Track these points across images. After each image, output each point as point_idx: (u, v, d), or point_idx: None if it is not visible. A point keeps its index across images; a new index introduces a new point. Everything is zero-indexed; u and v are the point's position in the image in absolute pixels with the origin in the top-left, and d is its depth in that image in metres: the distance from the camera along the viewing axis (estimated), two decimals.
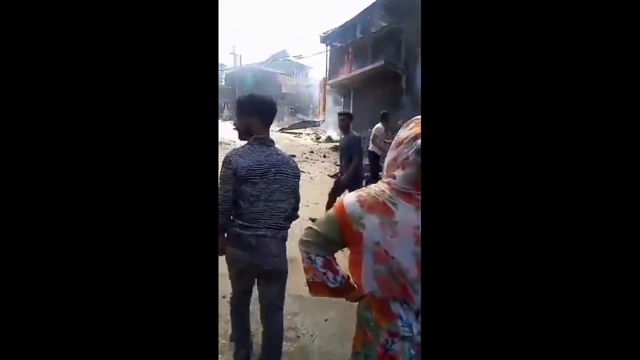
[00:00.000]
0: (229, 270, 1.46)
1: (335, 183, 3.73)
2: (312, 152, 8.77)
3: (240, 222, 1.39)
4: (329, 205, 3.39)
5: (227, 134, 10.48)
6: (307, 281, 0.93)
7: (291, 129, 15.23)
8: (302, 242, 0.89)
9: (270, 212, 1.40)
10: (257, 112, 1.46)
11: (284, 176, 1.43)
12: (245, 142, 1.48)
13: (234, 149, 1.44)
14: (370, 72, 10.67)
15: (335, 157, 8.22)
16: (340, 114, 3.76)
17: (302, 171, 6.07)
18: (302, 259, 0.90)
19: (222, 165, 1.36)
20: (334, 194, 3.55)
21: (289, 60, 23.55)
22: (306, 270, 0.91)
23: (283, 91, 21.99)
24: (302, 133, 14.37)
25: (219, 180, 1.32)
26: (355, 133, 3.72)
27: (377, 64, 10.21)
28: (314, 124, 15.75)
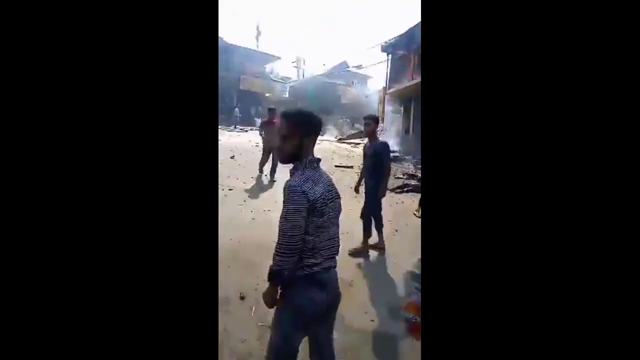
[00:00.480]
0: (295, 318, 1.19)
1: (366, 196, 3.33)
2: None
3: (308, 258, 1.16)
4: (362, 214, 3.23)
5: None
6: None
7: (349, 139, 15.36)
8: None
9: (332, 240, 1.23)
10: (313, 130, 1.26)
11: (338, 199, 1.29)
12: (291, 164, 1.25)
13: (297, 177, 1.16)
14: None
15: (395, 168, 8.08)
16: (365, 118, 3.38)
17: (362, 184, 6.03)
18: None
19: (292, 199, 1.09)
20: (366, 208, 3.26)
21: (349, 70, 23.87)
22: None
23: (342, 102, 22.33)
24: (360, 143, 14.40)
25: (286, 217, 1.08)
26: (381, 140, 3.43)
27: None
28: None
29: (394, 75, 13.95)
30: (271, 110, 6.48)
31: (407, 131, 12.58)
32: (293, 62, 24.57)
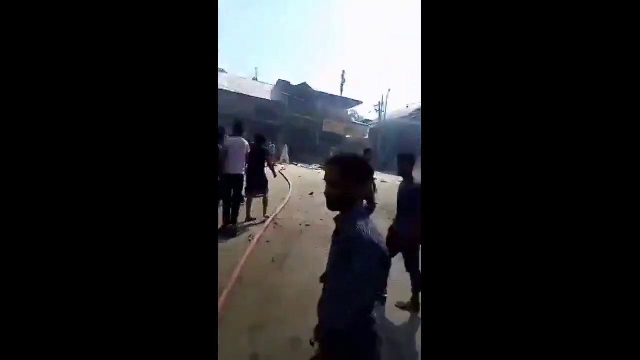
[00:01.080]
0: None
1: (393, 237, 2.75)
2: None
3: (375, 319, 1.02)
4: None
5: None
6: None
7: None
8: None
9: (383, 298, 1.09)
10: (366, 177, 1.12)
11: None
12: (343, 211, 1.09)
13: (363, 227, 0.99)
14: None
15: None
16: (400, 156, 2.82)
17: None
18: None
19: (357, 247, 0.94)
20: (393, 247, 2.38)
21: None
22: None
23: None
24: None
25: (359, 278, 0.92)
26: (418, 182, 2.68)
27: None
28: None
29: None
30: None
31: None
32: (375, 106, 25.28)
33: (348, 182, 1.08)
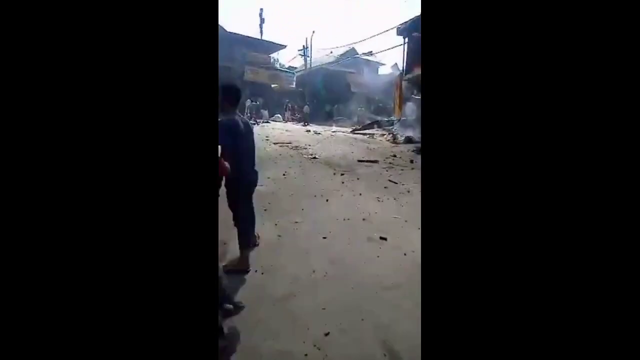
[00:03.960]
0: None
1: None
2: (394, 156, 8.01)
3: None
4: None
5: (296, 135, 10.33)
6: None
7: (364, 130, 14.56)
8: None
9: None
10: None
11: None
12: None
13: None
14: None
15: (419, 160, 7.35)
16: (223, 88, 2.34)
17: (393, 182, 5.27)
18: None
19: None
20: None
21: (358, 57, 22.84)
22: None
23: (352, 90, 21.41)
24: (374, 134, 13.61)
25: None
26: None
27: None
28: (388, 124, 14.81)
29: (412, 60, 13.01)
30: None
31: None
32: (299, 51, 23.45)
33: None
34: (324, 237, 2.96)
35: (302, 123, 17.47)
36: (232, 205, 2.35)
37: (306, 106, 18.83)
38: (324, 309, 1.95)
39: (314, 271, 2.36)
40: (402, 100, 13.77)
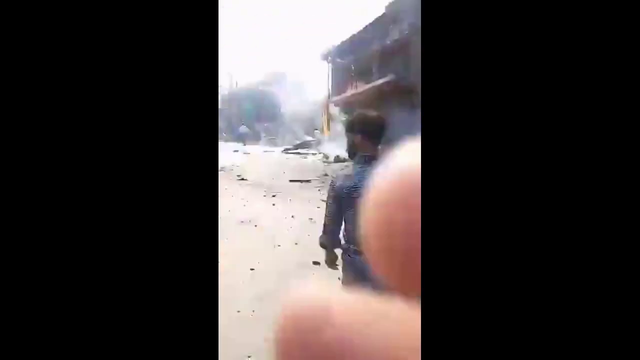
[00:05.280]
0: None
1: None
2: (326, 174, 8.12)
3: (352, 246, 1.37)
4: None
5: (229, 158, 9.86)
6: None
7: (295, 150, 14.65)
8: None
9: None
10: (360, 130, 1.41)
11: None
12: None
13: (341, 170, 1.48)
14: (378, 88, 10.22)
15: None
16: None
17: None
18: None
19: (329, 187, 1.45)
20: None
21: (287, 78, 23.35)
22: None
23: (282, 111, 21.62)
24: (307, 154, 13.79)
25: (326, 201, 1.46)
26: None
27: (385, 79, 9.77)
28: (317, 144, 15.20)
29: (336, 84, 13.73)
30: None
31: None
32: (224, 68, 23.01)
33: (354, 134, 1.48)
34: (252, 269, 2.69)
35: (239, 143, 16.99)
36: None
37: (243, 126, 18.35)
38: (250, 357, 1.68)
39: (238, 311, 2.06)
40: (330, 121, 14.34)
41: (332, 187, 1.40)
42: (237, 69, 21.96)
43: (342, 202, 1.35)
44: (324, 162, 11.10)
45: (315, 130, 18.68)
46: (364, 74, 11.50)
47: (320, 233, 1.52)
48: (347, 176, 1.37)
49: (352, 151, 1.44)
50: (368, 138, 1.40)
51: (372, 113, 1.45)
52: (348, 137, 1.45)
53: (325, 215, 1.45)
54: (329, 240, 1.47)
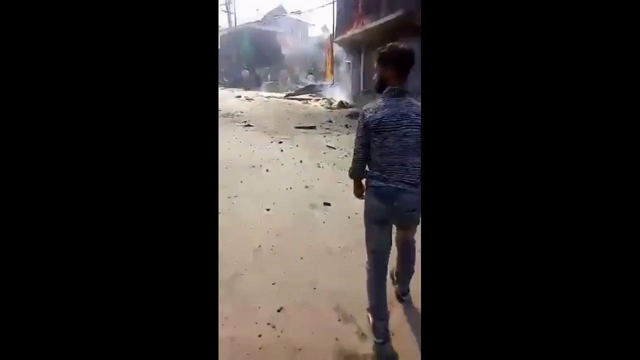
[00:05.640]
0: (368, 220, 1.52)
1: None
2: (330, 121, 7.99)
3: (377, 174, 1.44)
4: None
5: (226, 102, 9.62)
6: None
7: (297, 95, 14.18)
8: None
9: (404, 167, 1.39)
10: (392, 62, 1.41)
11: (417, 128, 1.36)
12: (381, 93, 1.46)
13: (371, 103, 1.45)
14: (387, 25, 9.50)
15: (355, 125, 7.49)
16: None
17: (332, 147, 5.29)
18: None
19: (359, 118, 1.46)
20: None
21: (287, 16, 21.59)
22: None
23: (283, 52, 20.42)
24: (310, 99, 13.37)
25: (356, 133, 1.49)
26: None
27: (394, 16, 9.03)
28: (320, 88, 14.64)
29: (341, 22, 12.74)
30: None
31: (362, 85, 11.79)
32: (221, 6, 21.15)
33: (384, 68, 1.48)
34: (267, 210, 2.84)
35: (242, 88, 16.38)
36: None
37: (245, 70, 17.56)
38: (274, 284, 1.88)
39: (259, 246, 2.24)
40: (334, 64, 13.62)
41: (362, 118, 1.42)
42: (236, 7, 20.13)
43: (371, 134, 1.38)
44: (327, 108, 10.84)
45: (310, 75, 17.87)
46: (371, 10, 10.61)
47: (349, 169, 1.58)
48: (376, 108, 1.39)
49: (382, 84, 1.44)
50: (398, 71, 1.40)
51: (404, 46, 1.42)
52: (378, 70, 1.46)
53: (355, 147, 1.49)
54: (357, 171, 1.53)
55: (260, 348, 1.44)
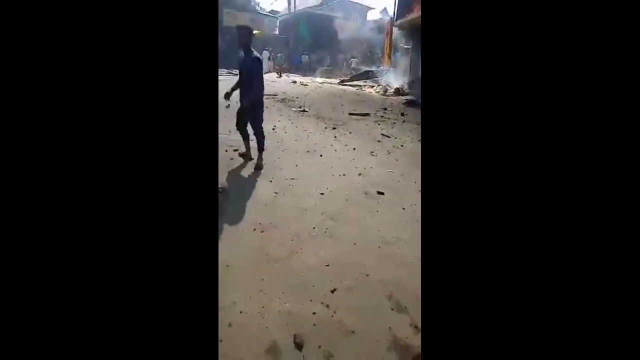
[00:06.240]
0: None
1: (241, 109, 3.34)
2: (385, 109, 7.75)
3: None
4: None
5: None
6: None
7: (353, 81, 13.95)
8: None
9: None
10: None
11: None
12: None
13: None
14: None
15: (413, 114, 7.17)
16: (239, 28, 3.23)
17: (386, 135, 5.16)
18: None
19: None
20: (239, 117, 3.38)
21: (346, 0, 21.10)
22: None
23: (340, 37, 20.12)
24: (364, 85, 13.08)
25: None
26: (256, 53, 3.20)
27: None
28: (376, 75, 14.21)
29: (403, 4, 12.08)
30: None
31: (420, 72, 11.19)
32: None
33: None
34: (322, 194, 2.88)
35: (301, 73, 16.68)
36: (252, 122, 3.36)
37: (305, 56, 17.76)
38: (328, 265, 1.93)
39: (314, 228, 2.30)
40: (392, 49, 13.07)
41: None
42: None
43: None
44: (383, 95, 10.51)
45: (353, 59, 17.32)
46: None
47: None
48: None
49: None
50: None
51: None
52: None
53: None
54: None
55: (314, 325, 1.50)
